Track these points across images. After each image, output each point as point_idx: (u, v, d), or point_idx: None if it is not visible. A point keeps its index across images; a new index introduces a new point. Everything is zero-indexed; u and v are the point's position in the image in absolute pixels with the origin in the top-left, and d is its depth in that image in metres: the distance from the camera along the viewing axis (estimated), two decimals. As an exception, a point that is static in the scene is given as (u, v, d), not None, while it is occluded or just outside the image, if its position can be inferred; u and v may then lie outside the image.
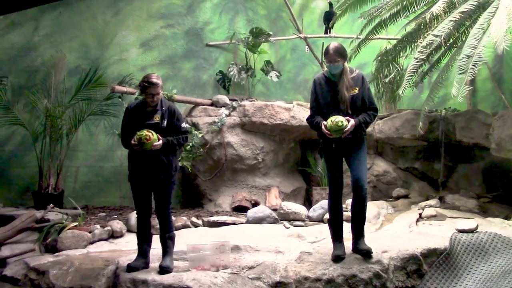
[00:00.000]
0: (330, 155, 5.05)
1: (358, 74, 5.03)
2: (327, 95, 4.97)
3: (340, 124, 4.80)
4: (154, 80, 4.88)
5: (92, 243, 6.00)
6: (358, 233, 5.08)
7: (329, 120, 4.86)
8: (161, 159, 4.87)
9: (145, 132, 4.78)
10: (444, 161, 7.43)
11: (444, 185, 7.39)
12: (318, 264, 4.99)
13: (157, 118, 4.92)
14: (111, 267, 5.11)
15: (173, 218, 5.69)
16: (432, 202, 6.74)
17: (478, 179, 7.38)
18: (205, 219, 6.56)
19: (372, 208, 6.46)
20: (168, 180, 4.96)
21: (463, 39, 6.65)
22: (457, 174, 7.50)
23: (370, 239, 5.18)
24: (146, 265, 5.02)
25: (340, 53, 4.93)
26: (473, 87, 8.31)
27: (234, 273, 4.88)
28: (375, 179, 7.60)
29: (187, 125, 5.00)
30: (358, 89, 4.95)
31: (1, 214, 6.51)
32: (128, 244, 5.89)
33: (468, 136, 7.17)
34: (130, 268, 4.90)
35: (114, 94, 7.42)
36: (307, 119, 5.20)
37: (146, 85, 4.87)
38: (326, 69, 5.14)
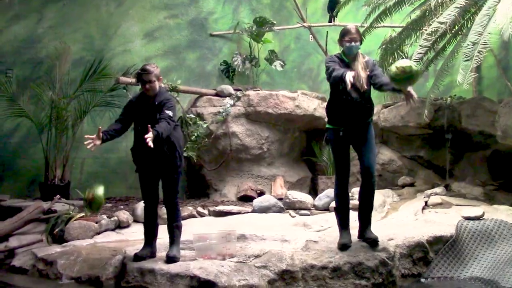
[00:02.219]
0: (337, 142, 5.04)
1: (370, 59, 5.05)
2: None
3: (408, 69, 4.21)
4: (147, 66, 4.88)
5: (99, 233, 6.04)
6: (365, 221, 5.09)
7: (393, 67, 4.44)
8: (165, 150, 4.88)
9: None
10: (449, 149, 7.41)
11: (450, 173, 7.37)
12: (324, 252, 5.01)
13: (153, 112, 4.91)
14: (118, 256, 5.14)
15: (180, 208, 5.71)
16: (438, 190, 6.73)
17: (483, 167, 7.36)
18: (211, 208, 6.59)
19: (378, 196, 6.43)
20: (174, 170, 4.96)
21: (469, 26, 6.60)
22: (463, 162, 7.48)
23: (376, 227, 5.19)
24: (153, 255, 5.04)
25: (360, 34, 4.97)
26: (479, 74, 8.28)
27: (241, 262, 4.90)
28: (381, 168, 7.58)
29: (171, 113, 4.84)
30: (369, 71, 4.95)
31: (8, 205, 6.56)
32: (135, 234, 5.92)
33: (474, 123, 7.14)
34: (137, 257, 4.93)
35: (118, 85, 7.42)
36: (328, 69, 4.82)
37: (139, 72, 4.89)
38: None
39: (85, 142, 4.73)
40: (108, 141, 4.92)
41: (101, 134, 4.76)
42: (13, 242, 5.89)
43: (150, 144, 4.46)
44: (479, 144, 7.36)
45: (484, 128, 7.05)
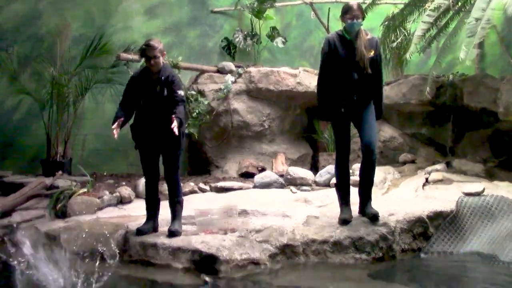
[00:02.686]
0: (338, 119, 5.04)
1: (373, 37, 5.04)
2: (343, 54, 4.92)
3: None
4: (151, 42, 4.91)
5: (101, 209, 6.08)
6: (365, 197, 5.12)
7: None
8: (169, 123, 4.88)
9: None
10: (451, 126, 7.40)
11: (451, 151, 7.38)
12: (325, 227, 5.06)
13: (158, 88, 4.92)
14: (120, 231, 5.20)
15: (181, 184, 5.75)
16: (438, 166, 6.74)
17: (485, 145, 7.35)
18: (213, 184, 6.63)
19: (379, 173, 6.43)
20: (176, 146, 4.98)
21: (472, 2, 6.53)
22: (464, 140, 7.47)
23: (377, 203, 5.21)
24: (155, 229, 5.09)
25: (362, 10, 4.93)
26: (481, 51, 8.22)
27: (242, 237, 4.95)
28: (382, 145, 7.58)
29: (182, 92, 4.94)
30: (373, 51, 4.93)
31: (11, 181, 6.59)
32: (137, 210, 5.96)
33: (476, 100, 7.11)
34: (140, 231, 4.98)
35: (119, 62, 7.39)
36: (319, 86, 5.07)
37: (144, 48, 4.91)
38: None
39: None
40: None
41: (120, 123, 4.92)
42: (16, 217, 5.93)
43: (176, 132, 4.65)
44: (481, 122, 7.34)
45: (486, 105, 7.02)
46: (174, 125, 4.64)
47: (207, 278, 4.28)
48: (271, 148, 7.76)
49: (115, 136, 4.89)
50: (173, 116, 4.68)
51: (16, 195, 6.06)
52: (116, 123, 4.90)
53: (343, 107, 4.96)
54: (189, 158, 7.92)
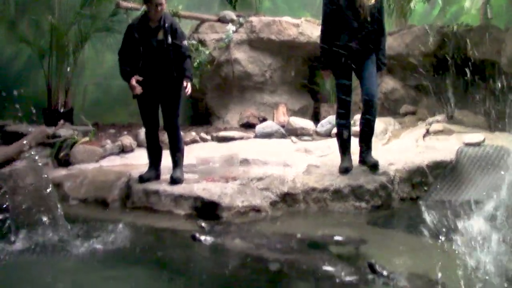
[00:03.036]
0: (340, 68, 5.01)
1: None
2: (344, 2, 4.84)
3: None
4: None
5: (103, 157, 6.14)
6: (366, 147, 5.15)
7: None
8: (170, 70, 4.85)
9: None
10: (454, 78, 7.33)
11: (453, 102, 7.34)
12: (325, 176, 5.11)
13: (160, 35, 4.85)
14: (123, 179, 5.26)
15: (181, 133, 5.76)
16: (439, 118, 6.74)
17: (488, 96, 7.31)
18: (214, 134, 6.66)
19: (379, 124, 6.46)
20: (177, 94, 4.96)
21: (479, -51, 6.37)
22: (467, 91, 7.42)
23: (377, 154, 5.26)
24: (157, 177, 5.14)
25: None
26: (487, 1, 8.05)
27: (243, 184, 5.01)
28: (383, 97, 7.54)
29: (187, 43, 4.95)
30: (374, 0, 4.84)
31: (12, 130, 6.60)
32: (139, 159, 6.00)
33: (480, 52, 7.01)
34: (142, 179, 5.03)
35: (119, 10, 7.27)
36: (322, 35, 5.03)
37: None
38: None
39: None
40: None
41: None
42: (19, 165, 5.98)
43: (189, 93, 4.89)
44: (484, 74, 7.28)
45: (490, 56, 6.94)
46: (188, 89, 4.83)
47: (203, 224, 4.35)
48: (272, 99, 7.73)
49: (139, 91, 4.86)
50: (184, 79, 4.82)
51: (18, 143, 6.08)
52: (135, 82, 4.85)
53: (344, 56, 4.93)
54: (190, 109, 7.91)
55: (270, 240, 3.95)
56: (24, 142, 6.11)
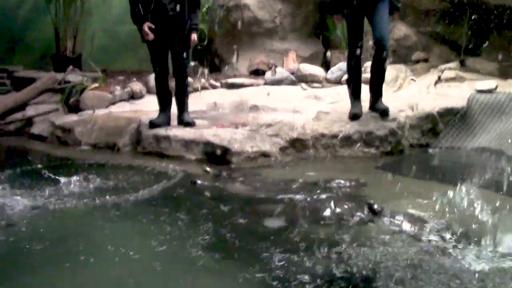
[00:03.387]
0: (351, 12, 4.90)
1: None
2: None
3: None
4: None
5: (113, 103, 6.16)
6: (376, 93, 5.09)
7: None
8: (183, 16, 4.80)
9: None
10: (467, 24, 7.16)
11: (466, 49, 7.20)
12: (335, 122, 5.09)
13: None
14: (133, 124, 5.28)
15: (191, 80, 5.74)
16: (452, 65, 6.63)
17: (502, 44, 7.15)
18: (223, 81, 6.62)
19: (391, 71, 6.40)
20: (187, 40, 4.91)
21: None
22: (480, 39, 7.27)
23: (388, 100, 5.20)
24: (167, 123, 5.15)
25: None
26: None
27: (253, 130, 5.01)
28: (395, 44, 7.40)
29: None
30: None
31: (22, 76, 6.63)
32: (148, 105, 6.01)
33: (496, -3, 6.83)
34: (153, 124, 5.04)
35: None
36: None
37: None
38: None
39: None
40: None
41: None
42: (30, 111, 6.05)
43: (195, 42, 4.97)
44: (499, 21, 7.10)
45: (506, 1, 6.75)
46: (194, 40, 4.86)
47: (208, 169, 4.39)
48: (282, 46, 7.62)
49: (151, 38, 4.82)
50: (191, 33, 4.85)
51: (29, 89, 6.11)
52: (147, 29, 4.79)
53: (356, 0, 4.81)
54: (199, 55, 7.84)
55: (274, 184, 3.97)
56: (34, 88, 6.14)
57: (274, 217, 3.23)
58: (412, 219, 3.15)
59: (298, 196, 3.58)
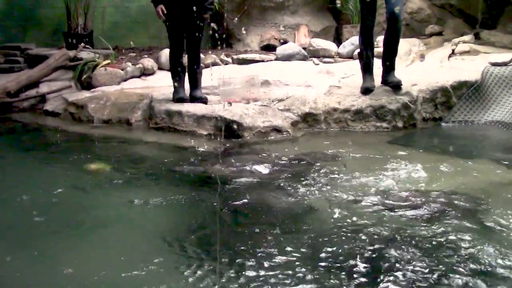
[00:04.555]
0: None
1: None
2: None
3: None
4: None
5: (125, 80, 6.17)
6: (388, 67, 5.05)
7: None
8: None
9: None
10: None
11: (481, 22, 7.08)
12: (347, 96, 5.08)
13: None
14: (145, 100, 5.31)
15: (202, 56, 5.72)
16: (466, 38, 6.53)
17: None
18: (235, 56, 6.59)
19: (404, 45, 6.32)
20: (202, 18, 4.91)
21: None
22: (497, 11, 7.13)
23: (400, 74, 5.15)
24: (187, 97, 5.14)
25: None
26: None
27: (265, 105, 5.03)
28: (409, 17, 7.31)
29: None
30: None
31: (35, 54, 6.65)
32: (160, 81, 6.03)
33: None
34: (180, 99, 5.06)
35: None
36: None
37: None
38: None
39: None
40: None
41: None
42: (43, 88, 6.09)
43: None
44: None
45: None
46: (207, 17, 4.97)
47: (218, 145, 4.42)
48: (293, 20, 7.56)
49: (163, 19, 4.90)
50: (206, 13, 4.94)
51: (41, 66, 6.14)
52: (161, 12, 4.86)
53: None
54: (210, 31, 7.80)
55: (280, 158, 3.99)
56: (47, 65, 6.17)
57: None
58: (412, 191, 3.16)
59: (299, 168, 3.62)
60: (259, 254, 2.41)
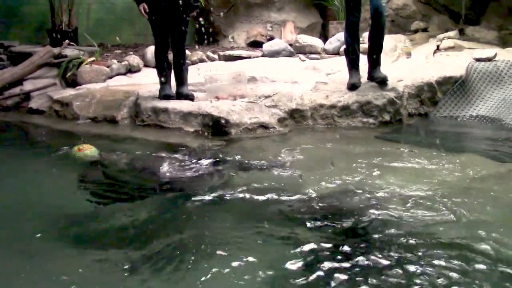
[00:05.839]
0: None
1: None
2: None
3: None
4: None
5: (110, 77, 6.12)
6: (374, 62, 5.07)
7: None
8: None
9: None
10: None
11: (466, 19, 7.14)
12: (334, 93, 5.08)
13: None
14: (131, 98, 5.26)
15: (188, 52, 5.69)
16: (451, 34, 6.59)
17: (502, 13, 7.08)
18: (221, 53, 6.57)
19: (389, 41, 6.36)
20: (186, 17, 4.90)
21: None
22: (480, 7, 7.19)
23: (386, 70, 5.16)
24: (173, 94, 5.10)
25: None
26: None
27: (251, 102, 5.00)
28: (394, 13, 7.35)
29: None
30: None
31: (18, 51, 6.55)
32: (146, 78, 5.99)
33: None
34: (167, 96, 5.03)
35: None
36: None
37: None
38: None
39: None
40: None
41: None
42: (27, 85, 6.01)
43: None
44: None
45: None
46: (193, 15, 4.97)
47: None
48: (280, 17, 7.56)
49: (146, 17, 4.89)
50: (192, 12, 4.94)
51: (26, 64, 6.06)
52: (143, 11, 4.86)
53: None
54: (195, 28, 7.77)
55: (267, 154, 3.98)
56: (31, 62, 6.09)
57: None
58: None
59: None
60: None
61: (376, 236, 2.53)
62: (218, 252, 2.38)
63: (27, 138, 4.96)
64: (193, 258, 2.33)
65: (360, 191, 3.10)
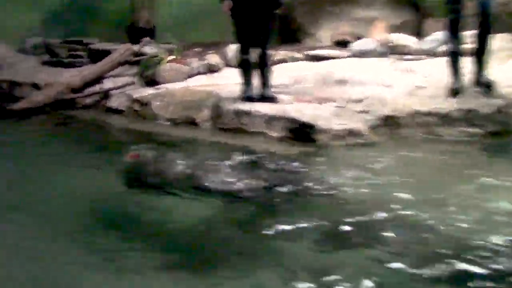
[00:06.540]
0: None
1: None
2: None
3: None
4: None
5: (190, 76, 6.01)
6: (479, 66, 4.66)
7: None
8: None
9: None
10: None
11: None
12: (431, 98, 4.67)
13: None
14: (212, 99, 5.11)
15: (272, 52, 5.45)
16: None
17: None
18: (306, 53, 6.29)
19: (495, 41, 5.75)
20: (273, 14, 4.76)
21: None
22: None
23: (493, 74, 4.68)
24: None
25: None
26: None
27: (340, 106, 4.68)
28: (501, 9, 6.65)
29: None
30: None
31: (98, 49, 6.58)
32: (227, 78, 5.80)
33: None
34: (250, 98, 4.83)
35: None
36: None
37: None
38: None
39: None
40: None
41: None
42: (107, 83, 6.02)
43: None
44: None
45: None
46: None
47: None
48: (369, 13, 7.09)
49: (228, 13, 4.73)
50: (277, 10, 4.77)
51: (105, 61, 6.05)
52: (227, 7, 4.69)
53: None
54: (279, 26, 7.48)
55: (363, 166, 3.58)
56: (110, 60, 6.04)
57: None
58: None
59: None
60: None
61: None
62: None
63: (102, 138, 4.90)
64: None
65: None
